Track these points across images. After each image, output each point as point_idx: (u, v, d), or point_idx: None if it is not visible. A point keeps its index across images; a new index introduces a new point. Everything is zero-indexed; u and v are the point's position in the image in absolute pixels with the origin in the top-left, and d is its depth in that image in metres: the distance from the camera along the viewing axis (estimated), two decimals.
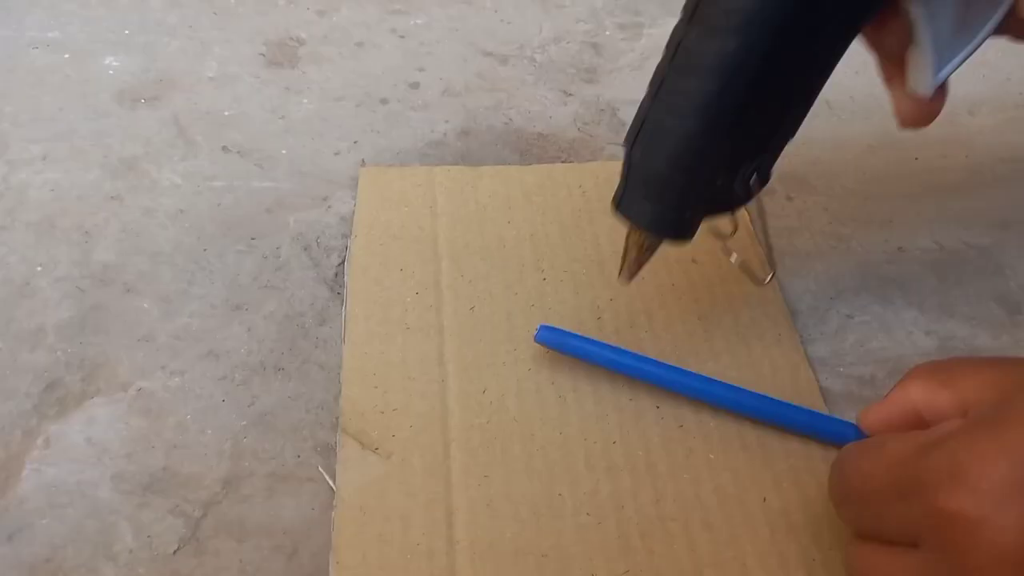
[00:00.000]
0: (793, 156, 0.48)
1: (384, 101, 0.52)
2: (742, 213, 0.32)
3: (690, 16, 0.29)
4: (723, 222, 0.33)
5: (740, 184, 0.31)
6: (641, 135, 0.31)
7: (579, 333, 0.36)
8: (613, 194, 0.33)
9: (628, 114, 0.51)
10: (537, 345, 0.37)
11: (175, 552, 0.32)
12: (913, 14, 0.31)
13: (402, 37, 0.57)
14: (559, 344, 0.36)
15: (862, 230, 0.45)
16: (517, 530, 0.31)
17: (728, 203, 0.32)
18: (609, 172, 0.46)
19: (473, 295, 0.39)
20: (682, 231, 0.32)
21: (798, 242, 0.44)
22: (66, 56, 0.53)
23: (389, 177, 0.45)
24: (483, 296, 0.39)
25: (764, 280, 0.32)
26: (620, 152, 0.48)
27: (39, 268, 0.41)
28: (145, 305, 0.40)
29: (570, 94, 0.53)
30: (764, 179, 0.31)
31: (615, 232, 0.43)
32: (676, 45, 0.30)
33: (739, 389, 0.35)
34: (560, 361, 0.37)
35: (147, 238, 0.43)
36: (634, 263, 0.33)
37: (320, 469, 0.34)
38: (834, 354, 0.39)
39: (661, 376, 0.35)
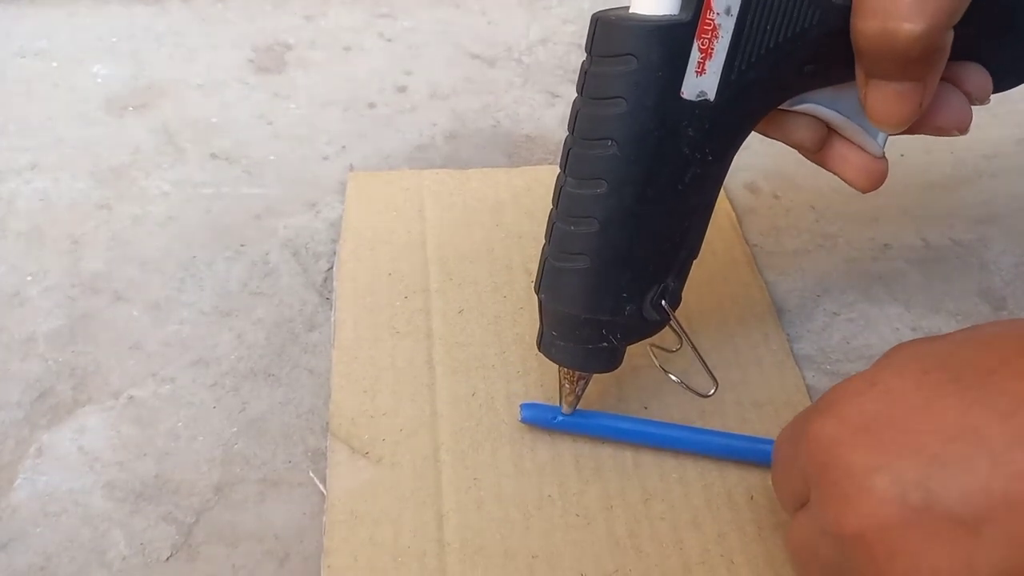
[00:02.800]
0: (779, 155, 0.49)
1: (372, 105, 0.52)
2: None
3: (564, 164, 0.30)
4: (666, 338, 0.34)
5: (650, 310, 0.31)
6: (543, 280, 0.32)
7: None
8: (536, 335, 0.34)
9: None
10: (525, 347, 0.37)
11: (168, 559, 0.32)
12: (824, 114, 0.31)
13: (389, 41, 0.57)
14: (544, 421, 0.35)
15: (848, 228, 0.45)
16: (507, 531, 0.32)
17: (645, 329, 0.32)
18: None
19: (461, 298, 0.39)
20: (607, 362, 0.33)
21: (784, 240, 0.44)
22: (54, 65, 0.53)
23: (377, 182, 0.45)
24: (471, 299, 0.39)
25: (709, 393, 0.33)
26: None
27: (29, 277, 0.41)
28: (135, 313, 0.40)
29: (558, 96, 0.53)
30: (675, 301, 0.32)
31: None
32: (559, 190, 0.31)
33: (725, 437, 0.34)
34: (549, 363, 0.37)
35: (136, 246, 0.43)
36: (570, 396, 0.34)
37: (311, 474, 0.34)
38: (820, 351, 0.39)
39: (653, 438, 0.35)
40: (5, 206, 0.44)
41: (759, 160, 0.48)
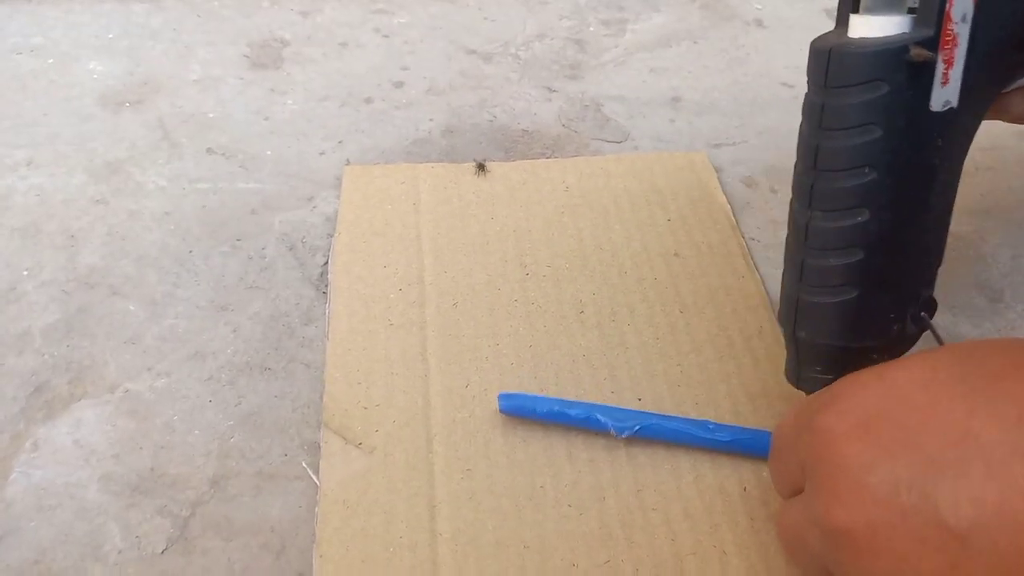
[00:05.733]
0: (778, 149, 0.49)
1: (368, 100, 0.52)
2: None
3: (807, 199, 0.30)
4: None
5: (911, 325, 0.31)
6: (800, 316, 0.31)
7: (541, 395, 0.35)
8: (785, 369, 0.33)
9: (612, 109, 0.51)
10: (519, 339, 0.37)
11: (163, 552, 0.32)
12: None
13: (386, 36, 0.57)
14: (522, 410, 0.35)
15: None
16: (499, 522, 0.32)
17: (905, 342, 0.32)
18: (592, 167, 0.46)
19: (456, 291, 0.40)
20: None
21: (782, 234, 0.44)
22: (50, 61, 0.53)
23: (373, 175, 0.45)
24: (466, 292, 0.39)
25: None
26: (604, 147, 0.49)
27: (25, 272, 0.41)
28: (131, 307, 0.40)
29: (554, 90, 0.53)
30: (932, 308, 0.32)
31: (598, 227, 0.43)
32: (804, 227, 0.30)
33: (719, 430, 0.34)
34: (542, 355, 0.37)
35: (132, 241, 0.43)
36: None
37: (304, 464, 0.34)
38: None
39: (645, 429, 0.34)
40: (1, 202, 0.44)
41: (756, 155, 0.48)
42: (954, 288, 0.42)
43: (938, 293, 0.41)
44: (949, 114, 0.28)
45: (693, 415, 0.35)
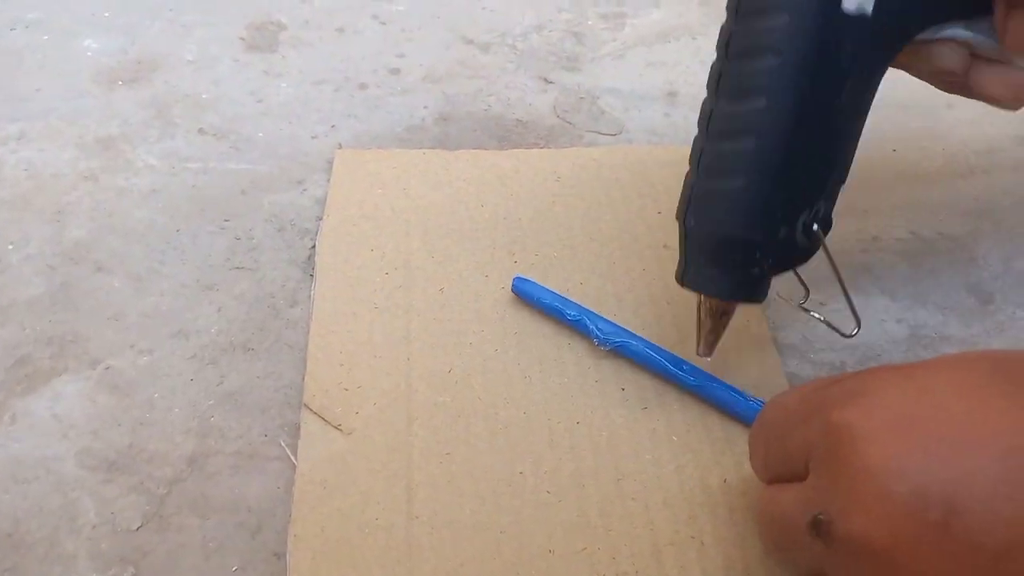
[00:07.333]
0: None
1: (363, 86, 0.52)
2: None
3: (715, 88, 0.31)
4: (795, 288, 0.34)
5: (802, 234, 0.31)
6: (692, 204, 0.32)
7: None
8: (675, 270, 0.34)
9: (608, 102, 0.51)
10: (504, 326, 0.37)
11: (138, 528, 0.32)
12: (967, 37, 0.32)
13: (383, 23, 0.57)
14: (532, 297, 0.38)
15: (837, 219, 0.45)
16: (476, 506, 0.31)
17: (794, 254, 0.32)
18: (584, 159, 0.46)
19: (443, 276, 0.39)
20: (754, 291, 0.33)
21: None
22: (45, 37, 0.53)
23: (364, 159, 0.45)
24: (453, 278, 0.39)
25: (852, 333, 0.33)
26: (598, 139, 0.49)
27: (10, 246, 0.41)
28: (116, 284, 0.40)
29: (550, 82, 0.53)
30: (827, 225, 0.32)
31: (588, 218, 0.43)
32: (708, 115, 0.31)
33: (705, 375, 0.35)
34: (527, 343, 0.37)
35: (120, 217, 0.43)
36: (710, 334, 0.33)
37: (281, 443, 0.34)
38: (805, 340, 0.39)
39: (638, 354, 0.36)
40: None
41: None
42: (944, 289, 0.42)
43: (928, 293, 0.41)
44: (862, 20, 0.29)
45: (676, 407, 0.35)
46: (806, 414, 0.25)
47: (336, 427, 0.34)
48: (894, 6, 0.29)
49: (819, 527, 0.23)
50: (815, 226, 0.31)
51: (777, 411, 0.28)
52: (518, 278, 0.38)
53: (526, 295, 0.38)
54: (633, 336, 0.36)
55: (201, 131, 0.48)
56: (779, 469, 0.27)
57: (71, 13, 0.55)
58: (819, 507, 0.23)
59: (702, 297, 0.33)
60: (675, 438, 0.34)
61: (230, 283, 0.40)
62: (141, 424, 0.35)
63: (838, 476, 0.23)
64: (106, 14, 0.55)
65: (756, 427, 0.29)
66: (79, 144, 0.46)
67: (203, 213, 0.43)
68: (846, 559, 0.23)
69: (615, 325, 0.37)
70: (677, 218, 0.33)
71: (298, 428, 0.34)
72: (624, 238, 0.42)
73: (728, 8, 0.31)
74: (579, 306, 0.37)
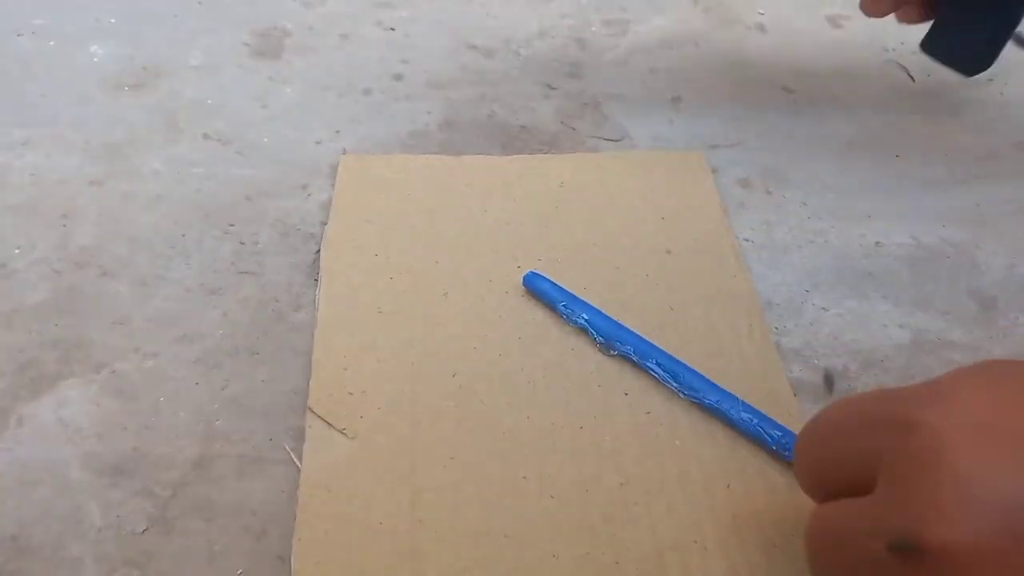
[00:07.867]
0: (775, 152, 0.48)
1: (367, 92, 0.52)
2: None
3: None
4: None
5: None
6: None
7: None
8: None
9: (611, 108, 0.51)
10: (509, 331, 0.37)
11: (143, 532, 0.32)
12: None
13: (388, 30, 0.57)
14: (543, 293, 0.39)
15: (840, 225, 0.45)
16: (480, 511, 0.31)
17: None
18: (587, 164, 0.46)
19: (447, 281, 0.39)
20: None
21: (776, 235, 0.44)
22: (51, 43, 0.54)
23: (368, 164, 0.45)
24: (456, 283, 0.39)
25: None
26: (601, 145, 0.49)
27: (16, 250, 0.41)
28: (121, 288, 0.40)
29: (554, 88, 0.53)
30: None
31: (590, 223, 0.43)
32: None
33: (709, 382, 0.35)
34: (531, 348, 0.37)
35: (125, 223, 0.43)
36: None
37: (287, 448, 0.34)
38: (808, 345, 0.39)
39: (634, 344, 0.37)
40: None
41: (754, 157, 0.48)
42: (946, 294, 0.42)
43: (931, 298, 0.42)
44: None
45: (679, 412, 0.35)
46: (872, 423, 0.24)
47: (341, 431, 0.34)
48: None
49: (903, 546, 0.22)
50: None
51: (836, 417, 0.26)
52: (531, 273, 0.39)
53: (538, 291, 0.39)
54: (641, 340, 0.37)
55: (206, 136, 0.48)
56: (837, 485, 0.25)
57: (77, 20, 0.55)
58: (894, 521, 0.22)
59: None
60: (678, 443, 0.34)
61: (235, 288, 0.40)
62: (146, 428, 0.35)
63: (918, 484, 0.21)
64: (112, 20, 0.56)
65: (805, 442, 0.27)
66: (85, 150, 0.47)
67: (208, 218, 0.43)
68: (919, 574, 0.21)
69: (625, 329, 0.37)
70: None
71: (303, 432, 0.34)
72: (626, 243, 0.42)
73: None
74: (589, 305, 0.38)
